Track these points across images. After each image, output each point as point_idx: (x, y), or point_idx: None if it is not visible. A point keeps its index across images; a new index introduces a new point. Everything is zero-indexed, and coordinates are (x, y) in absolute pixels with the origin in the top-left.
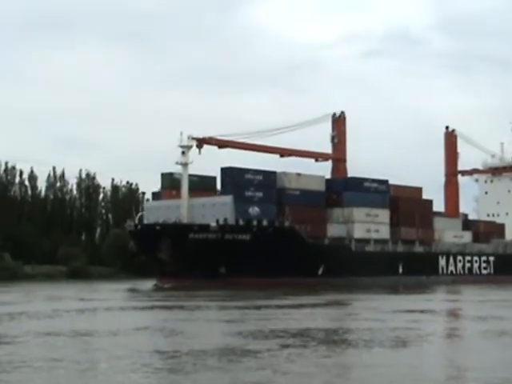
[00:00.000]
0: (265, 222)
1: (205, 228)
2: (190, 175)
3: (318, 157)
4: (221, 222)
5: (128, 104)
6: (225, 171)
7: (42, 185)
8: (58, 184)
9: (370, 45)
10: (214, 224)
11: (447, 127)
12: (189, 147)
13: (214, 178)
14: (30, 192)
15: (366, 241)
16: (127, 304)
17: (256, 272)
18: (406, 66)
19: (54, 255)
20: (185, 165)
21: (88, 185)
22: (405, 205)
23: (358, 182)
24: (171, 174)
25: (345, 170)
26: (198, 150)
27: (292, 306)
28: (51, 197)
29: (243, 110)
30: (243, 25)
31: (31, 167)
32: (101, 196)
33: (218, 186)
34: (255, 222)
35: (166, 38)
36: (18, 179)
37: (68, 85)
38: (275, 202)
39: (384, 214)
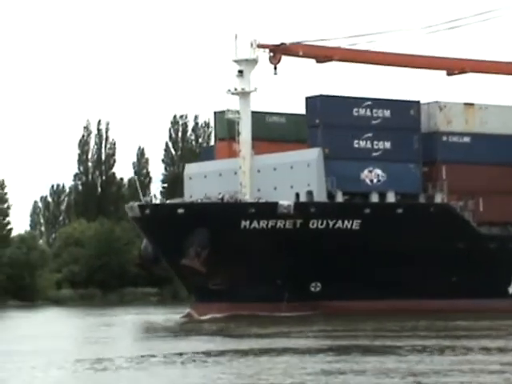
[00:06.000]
0: (391, 197)
1: (269, 210)
2: (266, 113)
3: None
4: (302, 197)
5: None
6: (313, 103)
7: None
8: None
9: None
10: (286, 203)
11: None
12: (253, 63)
13: None
14: None
15: None
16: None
17: (377, 290)
18: None
19: None
20: (244, 94)
21: None
22: None
23: None
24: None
25: None
26: (273, 66)
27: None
28: None
29: None
30: None
31: None
32: None
33: None
34: (375, 197)
35: None
36: None
37: None
38: (417, 158)
39: None
